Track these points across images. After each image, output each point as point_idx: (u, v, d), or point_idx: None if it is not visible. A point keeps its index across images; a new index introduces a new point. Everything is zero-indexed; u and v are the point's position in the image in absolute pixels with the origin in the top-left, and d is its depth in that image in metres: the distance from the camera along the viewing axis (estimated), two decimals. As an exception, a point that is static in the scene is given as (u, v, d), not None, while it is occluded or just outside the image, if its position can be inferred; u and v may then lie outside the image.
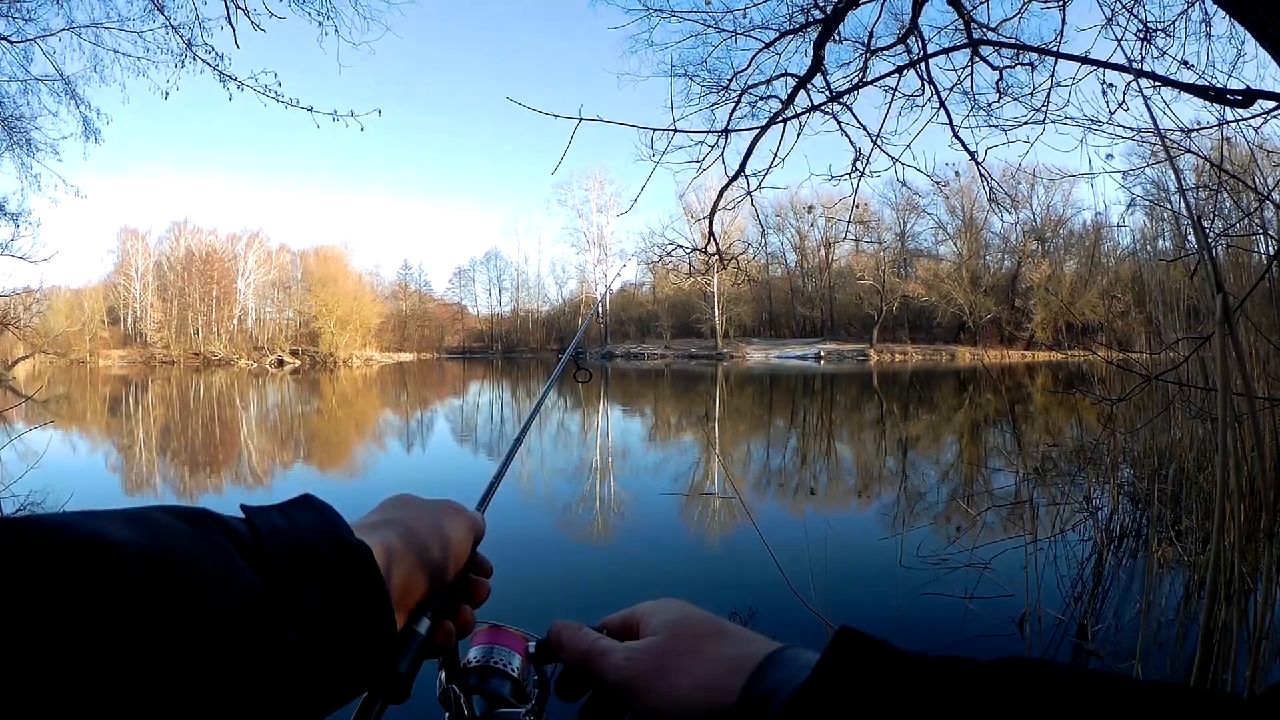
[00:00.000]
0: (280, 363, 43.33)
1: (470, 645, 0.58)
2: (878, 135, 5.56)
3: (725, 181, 5.82)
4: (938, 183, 6.10)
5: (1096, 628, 3.67)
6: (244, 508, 0.44)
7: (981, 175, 5.71)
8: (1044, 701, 0.32)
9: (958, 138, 5.52)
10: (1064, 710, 0.31)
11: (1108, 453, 6.10)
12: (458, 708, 0.54)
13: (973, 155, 5.59)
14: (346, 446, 16.40)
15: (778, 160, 5.68)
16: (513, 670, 0.56)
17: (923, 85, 5.35)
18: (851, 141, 5.65)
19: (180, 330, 45.39)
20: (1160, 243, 6.20)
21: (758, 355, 31.13)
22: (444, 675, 0.56)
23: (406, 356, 46.52)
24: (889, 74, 5.15)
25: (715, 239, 6.48)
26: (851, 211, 6.54)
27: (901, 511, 6.99)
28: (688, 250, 7.29)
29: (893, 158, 5.63)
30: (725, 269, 6.88)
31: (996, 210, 6.50)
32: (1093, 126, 3.97)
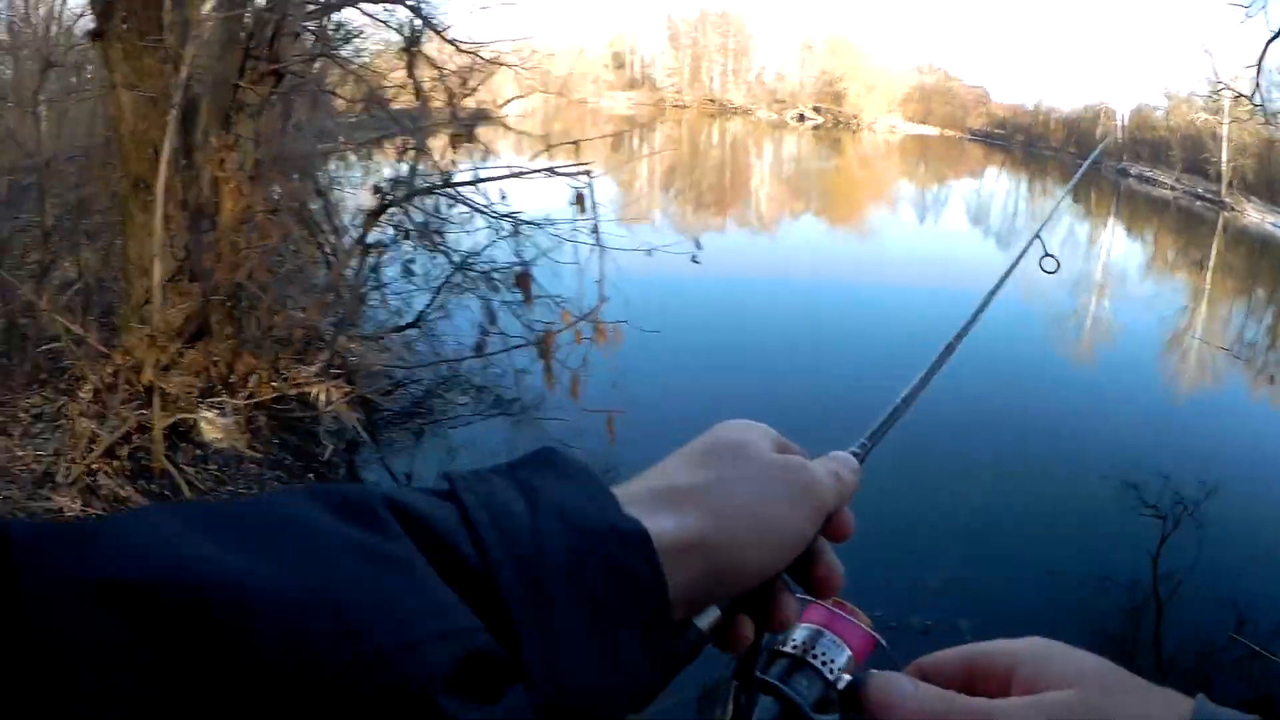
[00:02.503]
0: (801, 117, 41.91)
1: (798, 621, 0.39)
2: None
3: (1271, 35, 5.46)
4: None
5: None
6: (449, 477, 0.29)
7: None
8: None
9: None
10: None
11: None
12: (739, 705, 0.37)
13: None
14: (857, 206, 17.43)
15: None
16: (832, 672, 0.37)
17: None
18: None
19: (693, 78, 43.31)
20: None
21: (1255, 216, 24.97)
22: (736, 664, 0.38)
23: (930, 130, 42.74)
24: None
25: (1260, 85, 6.00)
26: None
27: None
28: (1217, 86, 6.77)
29: None
30: (1267, 120, 6.40)
31: None
32: None
